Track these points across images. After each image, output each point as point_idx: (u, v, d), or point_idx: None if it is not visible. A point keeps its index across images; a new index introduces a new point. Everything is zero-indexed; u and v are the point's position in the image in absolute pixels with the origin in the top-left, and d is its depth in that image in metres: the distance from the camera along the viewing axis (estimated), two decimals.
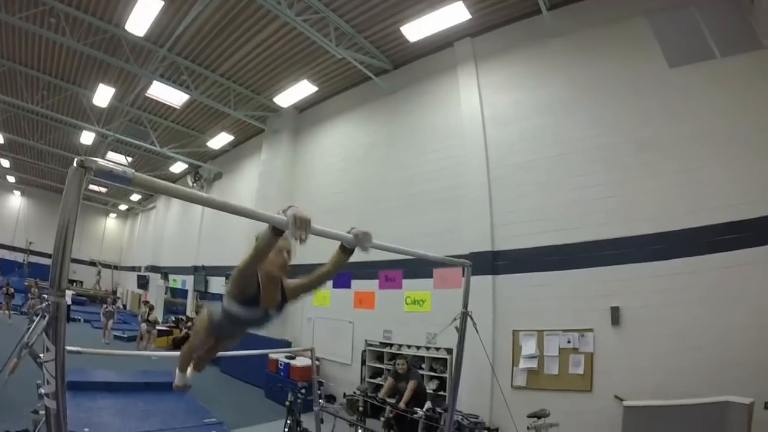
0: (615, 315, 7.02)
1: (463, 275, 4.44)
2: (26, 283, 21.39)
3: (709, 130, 6.74)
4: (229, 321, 2.86)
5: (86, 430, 6.66)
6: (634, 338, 6.87)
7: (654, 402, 6.00)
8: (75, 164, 1.43)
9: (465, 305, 4.38)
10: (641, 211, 7.09)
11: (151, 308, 17.11)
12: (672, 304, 6.56)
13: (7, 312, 17.97)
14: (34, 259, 28.54)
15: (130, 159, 20.56)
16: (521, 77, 9.15)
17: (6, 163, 24.50)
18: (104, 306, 17.06)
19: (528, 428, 6.35)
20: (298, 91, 12.63)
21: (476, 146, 9.22)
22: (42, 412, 5.17)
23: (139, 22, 9.93)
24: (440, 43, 10.25)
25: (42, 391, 1.41)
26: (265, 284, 2.69)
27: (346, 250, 2.87)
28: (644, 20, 7.68)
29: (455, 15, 8.96)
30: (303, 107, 14.11)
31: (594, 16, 8.27)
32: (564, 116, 8.34)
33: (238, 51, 11.45)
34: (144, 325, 15.82)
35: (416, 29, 9.49)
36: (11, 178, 28.26)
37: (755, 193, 6.19)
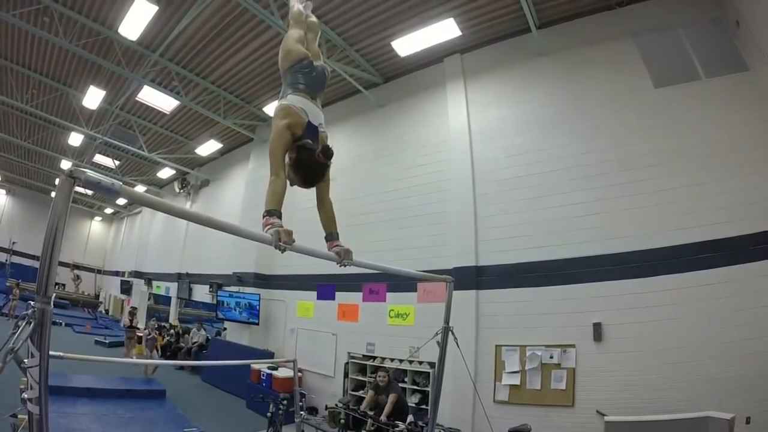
0: (597, 331, 7.10)
1: (446, 290, 4.48)
2: (8, 284, 21.03)
3: (690, 150, 6.91)
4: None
5: None
6: (615, 354, 6.95)
7: (635, 418, 6.06)
8: (65, 174, 1.45)
9: (447, 320, 4.42)
10: (623, 229, 7.20)
11: (131, 314, 16.87)
12: (653, 320, 6.65)
13: None
14: (16, 259, 28.08)
15: (117, 163, 20.43)
16: (509, 94, 9.28)
17: None
18: (145, 330, 15.06)
19: None
20: None
21: (463, 162, 9.30)
22: (21, 416, 5.12)
23: (133, 26, 9.90)
24: (430, 59, 10.38)
25: (25, 396, 1.42)
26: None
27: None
28: (631, 41, 7.86)
29: (446, 31, 9.10)
30: None
31: (581, 36, 8.45)
32: (549, 134, 8.47)
33: (229, 59, 11.48)
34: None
35: (407, 44, 9.60)
36: None
37: (736, 212, 6.35)
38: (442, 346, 4.43)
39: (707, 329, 6.28)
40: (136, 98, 13.90)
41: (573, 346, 7.34)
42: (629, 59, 7.82)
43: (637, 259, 6.98)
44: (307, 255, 2.81)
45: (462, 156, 9.37)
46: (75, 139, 17.48)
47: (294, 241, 2.45)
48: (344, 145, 12.41)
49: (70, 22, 10.39)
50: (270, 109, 13.11)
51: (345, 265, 3.11)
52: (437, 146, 10.01)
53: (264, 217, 2.55)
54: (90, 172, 1.52)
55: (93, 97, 13.49)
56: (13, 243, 28.47)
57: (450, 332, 4.42)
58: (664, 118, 7.30)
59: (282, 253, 2.51)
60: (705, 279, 6.40)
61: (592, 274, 7.34)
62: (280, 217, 2.56)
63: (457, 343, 4.41)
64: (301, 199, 13.14)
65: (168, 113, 14.97)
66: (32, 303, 1.41)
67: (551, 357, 7.49)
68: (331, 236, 3.26)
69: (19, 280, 21.24)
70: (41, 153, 20.47)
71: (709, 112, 6.92)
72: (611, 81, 8.00)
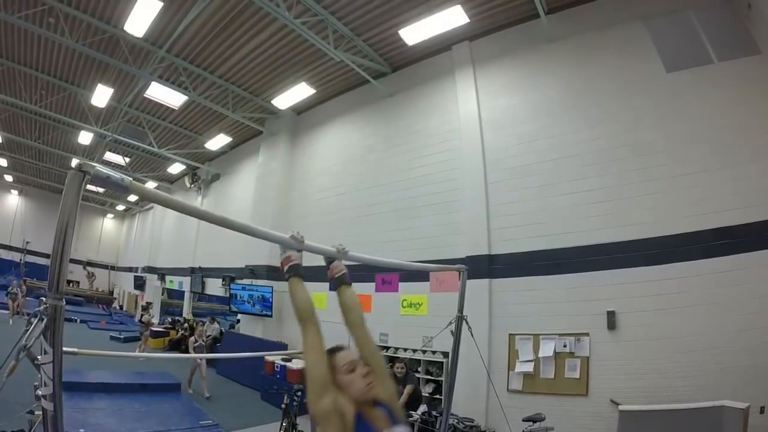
0: (611, 319, 7.04)
1: (459, 279, 4.44)
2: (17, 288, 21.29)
3: (704, 135, 6.78)
4: None
5: (82, 430, 6.65)
6: (629, 342, 6.88)
7: (649, 406, 6.02)
8: (74, 168, 1.44)
9: (460, 309, 4.38)
10: (636, 216, 7.12)
11: (145, 309, 16.98)
12: (667, 308, 6.58)
13: (10, 313, 16.92)
14: (30, 258, 28.46)
15: (128, 159, 20.55)
16: (519, 81, 9.17)
17: (3, 162, 24.44)
18: (191, 338, 12.58)
19: None
20: (296, 93, 12.64)
21: (473, 150, 9.23)
22: (38, 412, 5.16)
23: (138, 22, 9.91)
24: (438, 47, 10.28)
25: (39, 392, 1.41)
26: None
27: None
28: (641, 25, 7.72)
29: (453, 19, 8.99)
30: (301, 110, 14.13)
31: (591, 21, 8.31)
32: (560, 121, 8.37)
33: (236, 53, 11.46)
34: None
35: (414, 33, 9.50)
36: (9, 177, 28.21)
37: (749, 199, 6.23)
38: (456, 335, 4.41)
39: (721, 317, 6.20)
40: (144, 95, 13.95)
41: (587, 334, 7.29)
42: (640, 44, 7.68)
43: (651, 246, 6.89)
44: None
45: (473, 144, 9.29)
46: (85, 137, 17.61)
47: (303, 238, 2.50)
48: (353, 135, 12.40)
49: (75, 22, 10.43)
50: (278, 101, 13.11)
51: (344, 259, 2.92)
52: (447, 135, 9.94)
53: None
54: (99, 167, 1.51)
55: (101, 96, 13.56)
56: (27, 242, 28.84)
57: (464, 321, 4.39)
58: (676, 103, 7.18)
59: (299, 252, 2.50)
60: (719, 266, 6.31)
61: (606, 262, 7.27)
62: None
63: (471, 333, 4.38)
64: (312, 191, 13.20)
65: (176, 109, 15.02)
66: (44, 299, 1.40)
67: (565, 346, 7.45)
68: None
69: (25, 279, 21.48)
70: (52, 153, 20.67)
71: (721, 96, 6.78)
72: (622, 66, 7.87)
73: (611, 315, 7.04)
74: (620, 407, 6.27)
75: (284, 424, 7.29)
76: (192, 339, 12.07)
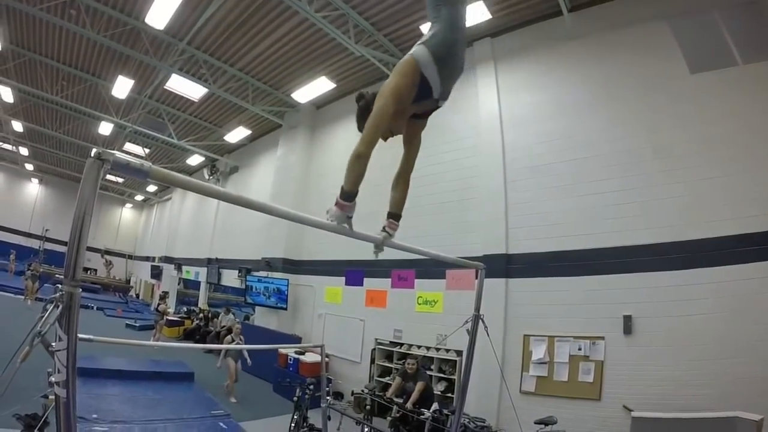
0: (627, 324, 6.94)
1: (477, 277, 4.40)
2: (41, 269, 21.61)
3: (729, 138, 6.61)
4: None
5: (95, 416, 6.73)
6: (645, 348, 6.78)
7: (662, 414, 5.93)
8: (92, 156, 1.43)
9: (477, 308, 4.34)
10: (658, 219, 6.98)
11: (162, 298, 17.12)
12: (686, 315, 6.45)
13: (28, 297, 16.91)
14: (49, 246, 28.94)
15: (147, 150, 20.75)
16: (539, 78, 9.05)
17: (25, 152, 24.88)
18: (228, 336, 11.21)
19: None
20: (316, 87, 12.68)
21: (493, 148, 9.13)
22: (52, 396, 5.20)
23: (159, 15, 10.01)
24: None
25: (52, 379, 1.41)
26: None
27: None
28: (665, 24, 7.56)
29: (475, 14, 8.88)
30: (320, 104, 14.14)
31: (614, 19, 8.15)
32: (582, 120, 8.24)
33: (257, 46, 11.49)
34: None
35: None
36: (29, 166, 28.69)
37: None
38: (472, 334, 4.36)
39: (741, 326, 6.04)
40: (165, 87, 14.04)
41: (602, 338, 7.19)
42: (663, 43, 7.49)
43: (672, 250, 6.75)
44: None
45: (492, 142, 9.19)
46: (105, 128, 17.85)
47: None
48: None
49: (97, 14, 10.54)
50: (297, 95, 13.15)
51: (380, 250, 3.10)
52: (467, 132, 9.84)
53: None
54: (118, 154, 1.50)
55: (122, 87, 13.74)
56: (46, 230, 29.34)
57: (480, 320, 4.35)
58: (700, 104, 7.00)
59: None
60: (741, 274, 6.14)
61: (626, 265, 7.15)
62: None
63: (487, 332, 4.34)
64: (328, 186, 13.19)
65: (196, 101, 15.11)
66: (60, 286, 1.40)
67: (579, 349, 7.36)
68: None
69: (36, 260, 21.76)
70: (72, 143, 20.99)
71: (748, 98, 6.58)
72: (645, 66, 7.70)
73: (627, 319, 6.93)
74: (633, 414, 6.20)
75: (296, 416, 7.32)
76: (228, 338, 10.82)
